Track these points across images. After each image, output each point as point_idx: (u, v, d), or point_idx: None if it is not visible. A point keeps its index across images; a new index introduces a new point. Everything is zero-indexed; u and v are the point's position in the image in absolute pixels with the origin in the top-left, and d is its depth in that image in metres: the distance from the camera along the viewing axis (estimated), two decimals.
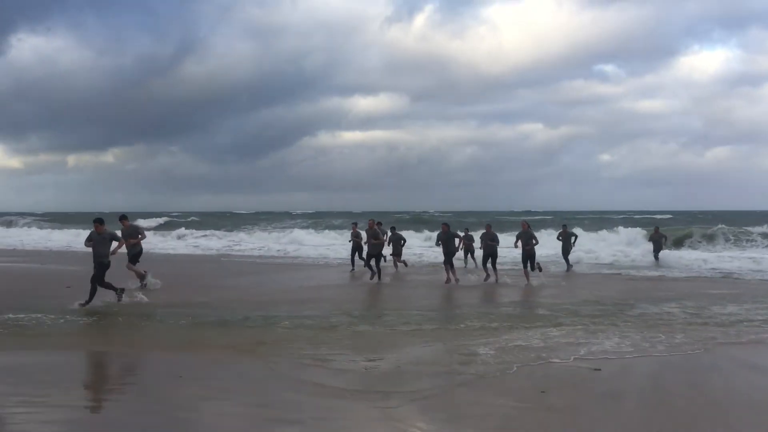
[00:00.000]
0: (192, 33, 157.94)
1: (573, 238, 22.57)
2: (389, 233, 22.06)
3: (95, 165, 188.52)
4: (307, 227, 49.07)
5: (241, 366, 8.12)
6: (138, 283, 15.13)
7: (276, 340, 9.70)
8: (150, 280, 15.36)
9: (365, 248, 19.57)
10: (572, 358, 8.66)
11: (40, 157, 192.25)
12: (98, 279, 12.71)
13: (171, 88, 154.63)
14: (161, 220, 59.69)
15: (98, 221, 12.95)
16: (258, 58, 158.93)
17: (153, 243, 33.37)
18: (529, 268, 17.98)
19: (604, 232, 35.73)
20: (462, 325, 11.13)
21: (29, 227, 54.26)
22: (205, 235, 44.31)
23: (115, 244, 12.99)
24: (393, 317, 11.93)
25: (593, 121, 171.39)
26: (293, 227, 49.10)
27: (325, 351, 8.91)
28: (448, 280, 17.75)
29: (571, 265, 22.28)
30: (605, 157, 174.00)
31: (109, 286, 12.95)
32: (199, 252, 33.35)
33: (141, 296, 13.56)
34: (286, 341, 9.60)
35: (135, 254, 15.13)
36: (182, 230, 47.25)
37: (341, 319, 11.64)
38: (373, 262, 18.25)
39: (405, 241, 22.65)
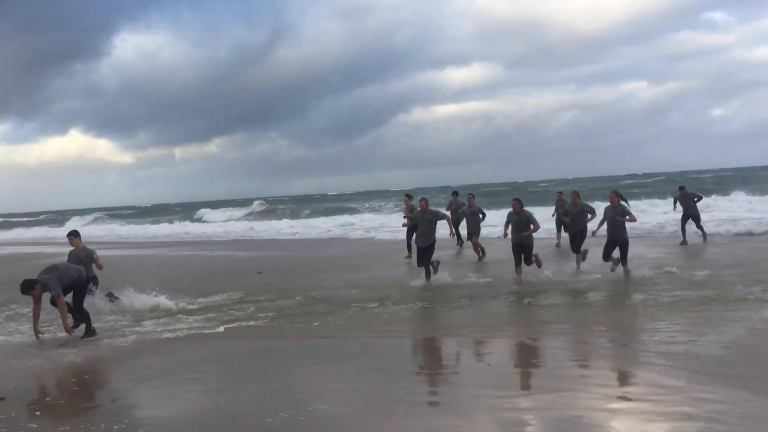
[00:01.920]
0: (283, 17, 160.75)
1: (695, 199, 18.46)
2: (465, 206, 17.37)
3: (200, 156, 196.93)
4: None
5: None
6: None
7: None
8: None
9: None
10: None
11: (149, 152, 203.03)
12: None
13: (266, 74, 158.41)
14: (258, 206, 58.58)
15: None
16: (348, 38, 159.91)
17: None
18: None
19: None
20: None
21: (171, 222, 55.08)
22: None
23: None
24: None
25: (702, 75, 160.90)
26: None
27: None
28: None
29: (705, 233, 18.32)
30: (717, 111, 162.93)
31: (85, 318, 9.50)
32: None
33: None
34: None
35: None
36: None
37: None
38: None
39: (484, 215, 17.16)
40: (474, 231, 16.42)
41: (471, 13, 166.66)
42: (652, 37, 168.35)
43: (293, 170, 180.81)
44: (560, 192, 19.81)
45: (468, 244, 17.18)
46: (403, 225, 17.41)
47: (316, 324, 9.63)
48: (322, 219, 40.26)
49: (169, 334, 9.30)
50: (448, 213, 16.58)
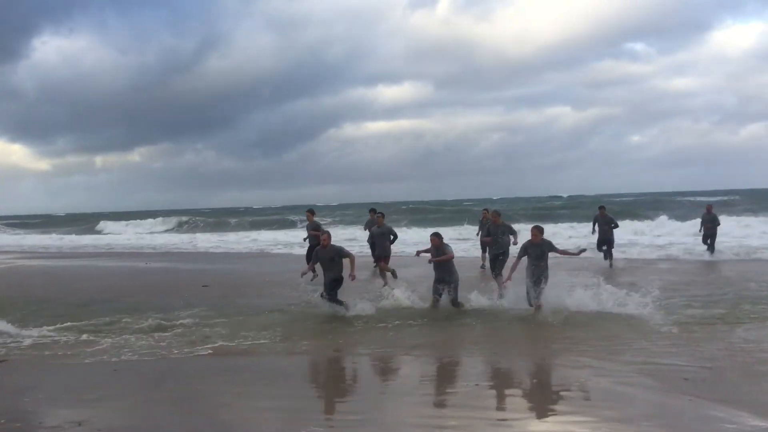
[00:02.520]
0: (214, 27, 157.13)
1: (612, 225, 17.95)
2: (374, 227, 15.62)
3: (122, 165, 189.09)
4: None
5: None
6: None
7: None
8: None
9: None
10: None
11: (68, 159, 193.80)
12: None
13: (194, 84, 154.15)
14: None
15: None
16: (280, 51, 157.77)
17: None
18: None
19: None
20: None
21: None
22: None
23: None
24: None
25: (623, 102, 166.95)
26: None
27: None
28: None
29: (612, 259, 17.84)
30: (635, 138, 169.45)
31: None
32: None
33: None
34: None
35: None
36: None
37: None
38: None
39: (395, 236, 15.19)
40: (383, 254, 14.76)
41: (403, 33, 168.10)
42: (577, 64, 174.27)
43: (219, 182, 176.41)
44: (486, 210, 18.36)
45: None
46: (305, 239, 16.79)
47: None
48: (243, 233, 39.27)
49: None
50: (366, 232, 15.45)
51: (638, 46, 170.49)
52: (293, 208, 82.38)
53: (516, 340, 9.29)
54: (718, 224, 20.17)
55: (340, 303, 11.25)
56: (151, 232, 48.65)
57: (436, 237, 11.57)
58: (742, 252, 20.48)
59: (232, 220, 53.93)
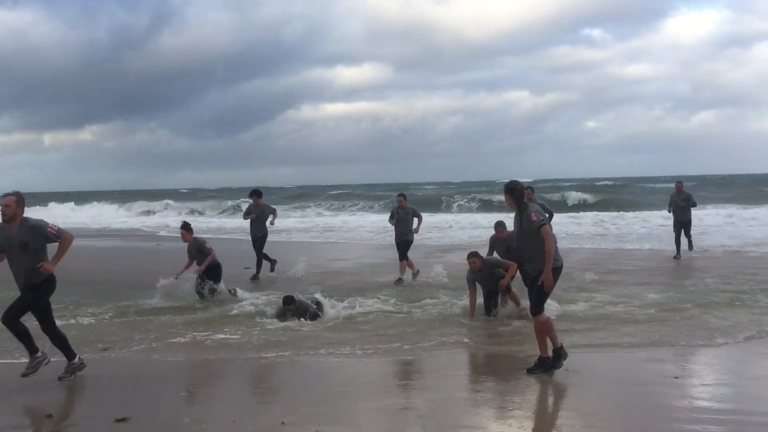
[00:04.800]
0: (166, 3, 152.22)
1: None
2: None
3: (73, 143, 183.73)
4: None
5: None
6: None
7: None
8: None
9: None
10: None
11: (14, 136, 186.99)
12: None
13: (147, 61, 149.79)
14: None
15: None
16: (236, 29, 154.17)
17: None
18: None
19: None
20: None
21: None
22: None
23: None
24: None
25: (579, 88, 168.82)
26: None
27: None
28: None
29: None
30: (591, 123, 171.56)
31: None
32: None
33: None
34: None
35: None
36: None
37: None
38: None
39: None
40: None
41: (361, 13, 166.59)
42: (536, 49, 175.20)
43: (174, 162, 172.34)
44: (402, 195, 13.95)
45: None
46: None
47: None
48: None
49: None
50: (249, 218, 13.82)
51: (595, 32, 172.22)
52: (245, 190, 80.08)
53: None
54: (694, 204, 16.07)
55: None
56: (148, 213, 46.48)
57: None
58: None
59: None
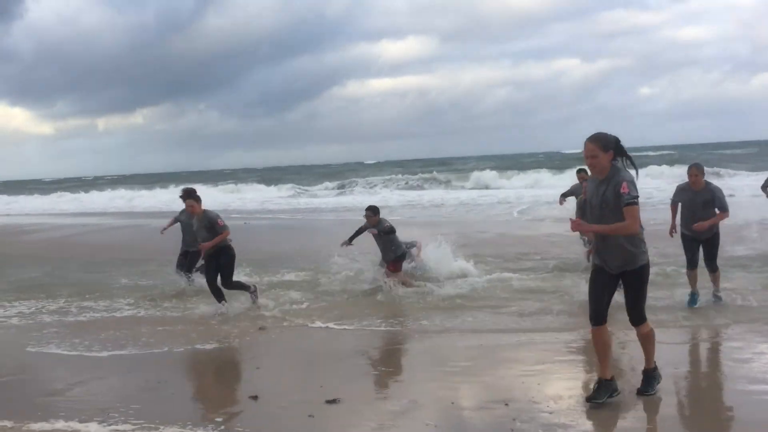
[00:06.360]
0: None
1: None
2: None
3: (126, 127, 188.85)
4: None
5: None
6: None
7: None
8: None
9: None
10: None
11: (69, 122, 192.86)
12: None
13: (193, 42, 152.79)
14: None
15: None
16: (280, 7, 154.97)
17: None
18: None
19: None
20: None
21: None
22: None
23: None
24: None
25: (632, 53, 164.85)
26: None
27: None
28: None
29: None
30: (645, 90, 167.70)
31: None
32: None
33: None
34: None
35: None
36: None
37: None
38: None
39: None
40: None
41: None
42: (586, 15, 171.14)
43: (223, 143, 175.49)
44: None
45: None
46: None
47: None
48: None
49: None
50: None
51: None
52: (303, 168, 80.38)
53: None
54: None
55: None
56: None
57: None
58: None
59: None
